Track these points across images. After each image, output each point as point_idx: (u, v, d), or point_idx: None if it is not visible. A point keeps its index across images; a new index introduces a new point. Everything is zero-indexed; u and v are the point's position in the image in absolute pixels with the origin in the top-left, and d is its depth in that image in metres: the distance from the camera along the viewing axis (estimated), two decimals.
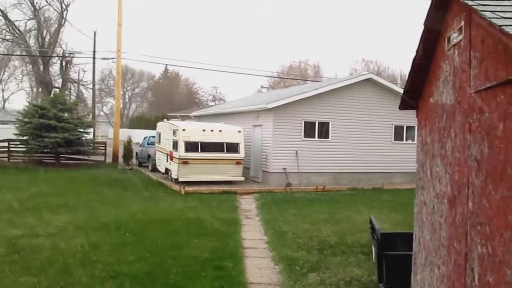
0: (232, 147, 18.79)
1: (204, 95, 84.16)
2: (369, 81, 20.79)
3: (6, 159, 26.88)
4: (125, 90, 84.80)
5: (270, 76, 64.37)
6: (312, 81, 50.81)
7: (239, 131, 19.05)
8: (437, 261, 4.48)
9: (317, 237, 9.95)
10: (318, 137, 19.77)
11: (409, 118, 17.90)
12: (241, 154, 18.86)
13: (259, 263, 8.12)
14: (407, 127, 21.00)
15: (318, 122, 19.73)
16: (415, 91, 5.39)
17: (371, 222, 6.80)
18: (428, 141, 4.99)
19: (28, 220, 10.94)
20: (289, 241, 9.64)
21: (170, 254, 8.15)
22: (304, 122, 19.44)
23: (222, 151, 18.64)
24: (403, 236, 6.51)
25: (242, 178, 19.04)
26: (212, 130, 18.87)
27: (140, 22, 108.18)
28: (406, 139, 21.26)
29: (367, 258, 8.07)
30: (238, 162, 18.80)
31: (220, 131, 18.94)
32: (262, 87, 45.59)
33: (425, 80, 5.15)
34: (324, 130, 19.91)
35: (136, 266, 7.39)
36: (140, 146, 27.75)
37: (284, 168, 19.05)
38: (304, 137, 19.49)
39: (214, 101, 75.97)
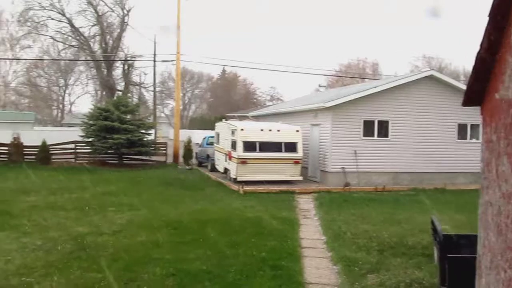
0: (290, 147, 18.74)
1: (262, 95, 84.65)
2: (430, 78, 20.19)
3: (73, 160, 28.02)
4: (184, 91, 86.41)
5: (328, 75, 63.76)
6: (371, 79, 49.99)
7: (297, 131, 18.97)
8: (503, 264, 4.28)
9: (376, 237, 9.76)
10: (378, 136, 19.40)
11: (473, 116, 17.26)
12: (299, 153, 18.78)
13: (318, 263, 8.06)
14: (471, 125, 20.27)
15: (378, 121, 19.38)
16: (479, 86, 5.17)
17: (432, 223, 6.60)
18: (494, 139, 4.78)
19: (93, 218, 11.34)
20: (348, 242, 9.51)
21: (228, 253, 8.23)
22: (364, 121, 19.14)
23: (280, 150, 18.62)
24: (467, 238, 6.28)
25: (300, 178, 18.95)
26: (270, 130, 18.90)
27: (199, 23, 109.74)
28: (471, 138, 20.50)
29: (428, 260, 7.84)
30: (296, 161, 18.73)
31: (278, 130, 18.94)
32: (320, 86, 45.35)
33: (489, 75, 4.93)
34: (383, 129, 19.52)
35: (196, 264, 7.50)
36: (200, 146, 28.18)
37: (343, 168, 18.81)
38: (363, 136, 19.19)
39: (272, 101, 76.22)
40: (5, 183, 17.65)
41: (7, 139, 26.40)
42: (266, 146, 18.59)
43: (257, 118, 29.17)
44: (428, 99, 19.74)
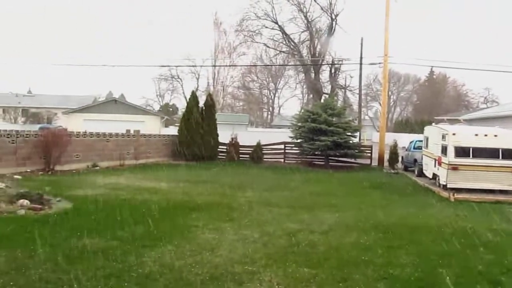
0: (508, 154, 17.19)
1: (475, 97, 78.97)
2: None
3: (282, 160, 29.68)
4: (390, 93, 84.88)
5: None
6: None
7: None
8: None
9: None
10: None
11: None
12: None
13: None
14: None
15: None
16: None
17: None
18: None
19: (303, 216, 11.90)
20: None
21: (440, 262, 7.97)
22: None
23: (497, 157, 17.22)
24: None
25: None
26: (486, 135, 17.61)
27: (406, 24, 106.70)
28: None
29: None
30: None
31: (495, 136, 17.55)
32: None
33: None
34: None
35: (406, 271, 7.43)
36: (406, 150, 27.52)
37: None
38: None
39: (486, 103, 70.57)
40: (226, 179, 19.53)
41: (226, 139, 29.10)
42: (481, 152, 17.35)
43: (470, 121, 27.40)
44: None
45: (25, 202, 11.54)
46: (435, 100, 77.47)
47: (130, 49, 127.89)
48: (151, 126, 38.00)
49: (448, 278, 7.10)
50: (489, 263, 8.08)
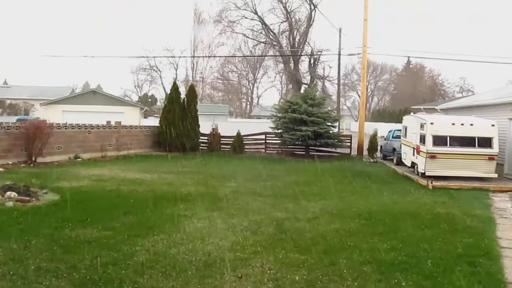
0: (484, 142, 17.74)
1: (450, 86, 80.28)
2: None
3: (263, 150, 29.99)
4: (367, 83, 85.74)
5: None
6: None
7: (493, 125, 17.86)
8: None
9: None
10: None
11: None
12: (495, 149, 17.68)
13: None
14: None
15: None
16: None
17: None
18: None
19: (288, 205, 12.19)
20: None
21: (422, 247, 8.32)
22: None
23: (473, 145, 17.75)
24: None
25: (495, 175, 17.85)
26: (462, 124, 18.12)
27: (383, 13, 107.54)
28: None
29: None
30: (490, 157, 17.69)
31: (471, 124, 18.07)
32: None
33: None
34: None
35: (390, 255, 7.77)
36: (385, 139, 28.05)
37: None
38: None
39: (461, 93, 71.91)
40: (209, 169, 19.77)
41: (207, 130, 29.27)
42: (457, 141, 17.89)
43: (446, 111, 27.96)
44: None
45: (13, 194, 11.58)
46: (413, 90, 78.50)
47: (107, 39, 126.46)
48: (131, 117, 37.86)
49: (429, 261, 7.47)
50: (468, 246, 8.48)
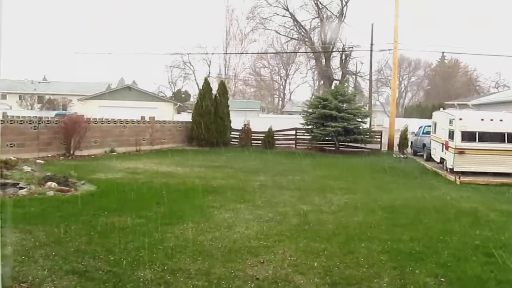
0: None
1: (486, 82, 78.72)
2: None
3: (293, 145, 30.33)
4: (400, 79, 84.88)
5: None
6: None
7: None
8: None
9: None
10: None
11: None
12: None
13: None
14: None
15: None
16: None
17: None
18: None
19: (314, 198, 12.55)
20: None
21: (441, 239, 8.56)
22: None
23: (503, 141, 17.71)
24: None
25: None
26: (491, 120, 18.09)
27: (417, 9, 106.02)
28: None
29: None
30: None
31: (501, 120, 18.03)
32: None
33: None
34: None
35: (409, 245, 8.06)
36: (415, 135, 28.01)
37: None
38: None
39: (497, 88, 70.40)
40: (239, 164, 20.25)
41: (239, 125, 29.78)
42: (487, 137, 17.87)
43: (478, 106, 27.77)
44: None
45: (53, 184, 12.32)
46: (447, 85, 77.34)
47: (142, 36, 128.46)
48: (164, 112, 38.67)
49: (446, 251, 7.75)
50: (486, 239, 8.69)
